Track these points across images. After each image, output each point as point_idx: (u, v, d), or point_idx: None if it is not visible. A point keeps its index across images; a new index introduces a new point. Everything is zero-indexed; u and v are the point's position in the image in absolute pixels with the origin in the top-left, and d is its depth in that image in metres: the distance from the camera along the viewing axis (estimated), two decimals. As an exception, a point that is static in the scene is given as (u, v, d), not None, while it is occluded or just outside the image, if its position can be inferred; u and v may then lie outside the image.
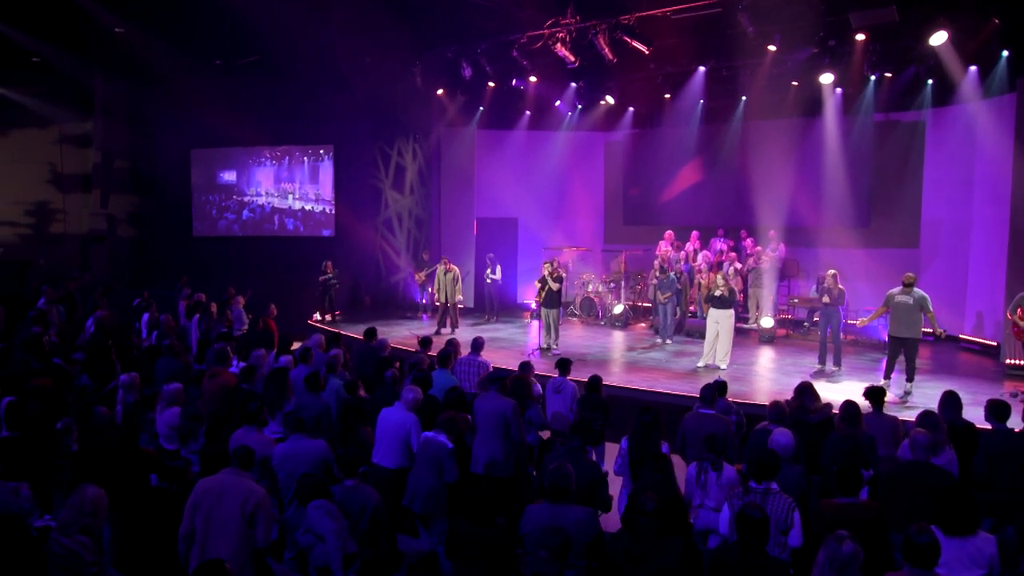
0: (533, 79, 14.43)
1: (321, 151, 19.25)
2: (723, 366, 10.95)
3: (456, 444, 6.04)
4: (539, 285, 12.63)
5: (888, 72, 12.81)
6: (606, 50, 11.87)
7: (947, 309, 13.24)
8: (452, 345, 8.87)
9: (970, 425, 6.10)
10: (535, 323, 12.67)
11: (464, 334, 14.28)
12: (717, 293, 10.97)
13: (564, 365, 7.83)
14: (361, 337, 13.80)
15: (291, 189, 19.64)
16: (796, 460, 5.35)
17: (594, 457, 7.64)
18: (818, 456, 5.89)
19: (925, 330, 9.89)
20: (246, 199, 19.90)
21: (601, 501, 4.98)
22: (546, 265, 12.69)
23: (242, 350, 10.48)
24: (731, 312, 11.02)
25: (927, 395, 9.54)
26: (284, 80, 17.90)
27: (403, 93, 16.25)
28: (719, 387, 6.78)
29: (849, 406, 5.83)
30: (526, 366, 7.92)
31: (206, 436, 5.95)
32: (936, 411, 6.06)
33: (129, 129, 19.54)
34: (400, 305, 17.96)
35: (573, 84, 14.66)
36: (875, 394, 6.36)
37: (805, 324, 13.92)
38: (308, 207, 19.49)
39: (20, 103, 18.31)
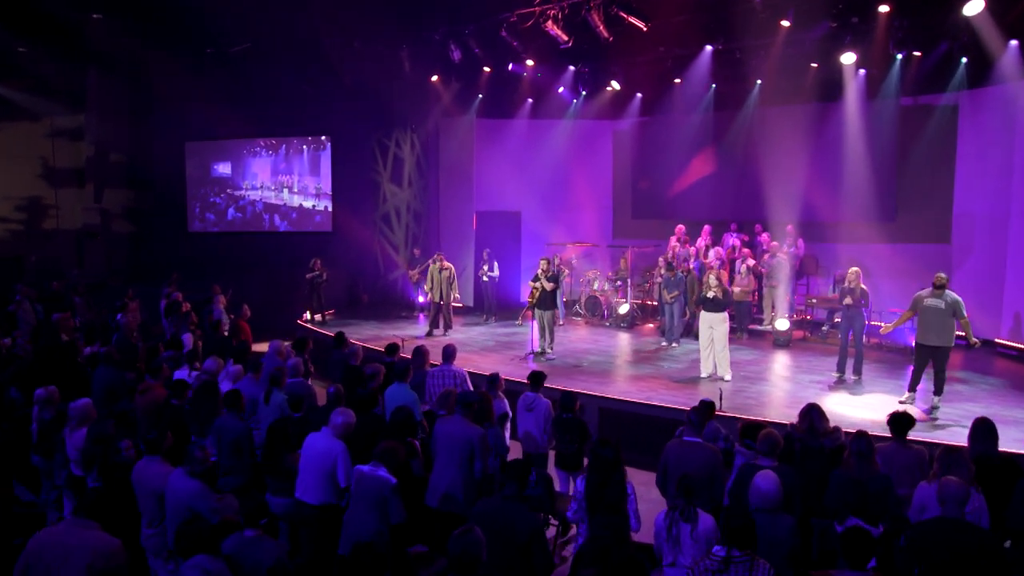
0: (530, 63, 13.46)
1: (322, 139, 18.52)
2: (727, 377, 9.93)
3: (398, 477, 5.16)
4: (533, 284, 11.69)
5: (916, 50, 11.61)
6: (600, 27, 10.88)
7: (981, 311, 12.09)
8: (418, 354, 8.02)
9: (1009, 461, 5.07)
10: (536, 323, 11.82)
11: (458, 335, 13.44)
12: (709, 295, 9.93)
13: (536, 379, 6.92)
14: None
15: (288, 182, 18.94)
16: (788, 507, 4.39)
17: (571, 488, 6.74)
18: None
19: (959, 334, 8.74)
20: (239, 193, 19.27)
21: (540, 562, 4.01)
22: (541, 262, 11.75)
23: (204, 357, 9.72)
24: (725, 316, 9.98)
25: (956, 411, 8.47)
26: (278, 69, 17.19)
27: (396, 80, 15.39)
28: (707, 408, 5.80)
29: (861, 441, 4.81)
30: (493, 380, 6.99)
31: (102, 464, 5.12)
32: (963, 445, 5.06)
33: (123, 122, 18.96)
34: (398, 304, 17.13)
35: (572, 67, 13.65)
36: (899, 423, 5.33)
37: (824, 327, 12.83)
38: (308, 204, 18.78)
39: (9, 97, 17.81)
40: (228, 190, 19.37)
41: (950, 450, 4.55)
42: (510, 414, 6.90)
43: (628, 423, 8.83)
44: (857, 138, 12.89)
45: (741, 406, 8.72)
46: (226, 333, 11.42)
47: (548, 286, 11.45)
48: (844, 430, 7.30)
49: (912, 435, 7.47)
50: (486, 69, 14.16)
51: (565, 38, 11.41)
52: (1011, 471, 4.99)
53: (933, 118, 12.74)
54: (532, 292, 11.66)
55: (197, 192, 19.59)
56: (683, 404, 8.71)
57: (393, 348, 8.57)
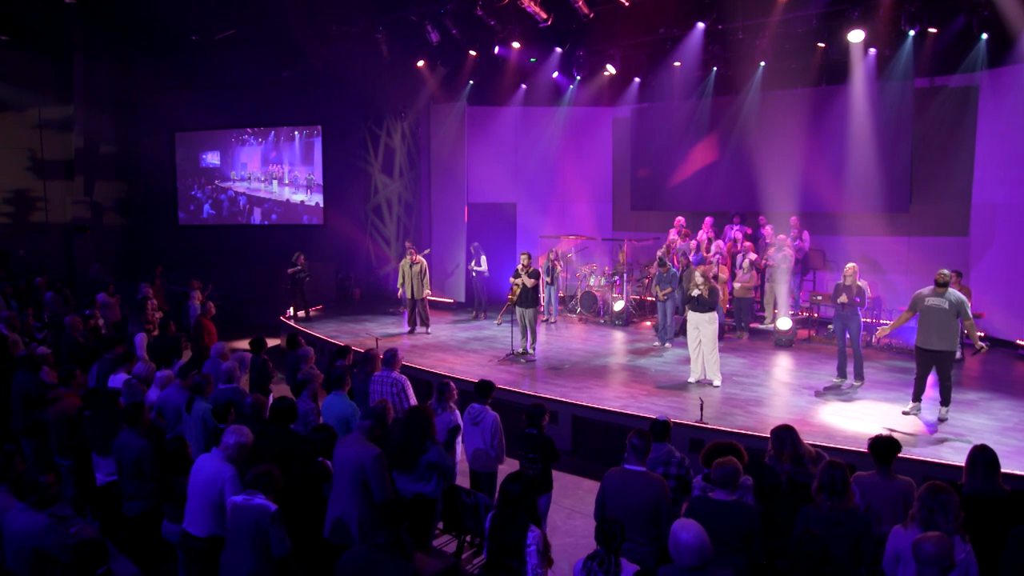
0: (516, 45, 12.67)
1: (313, 128, 17.92)
2: (716, 382, 9.12)
3: (298, 505, 4.51)
4: (514, 281, 10.97)
5: (931, 26, 10.67)
6: (580, 3, 10.09)
7: (1002, 309, 11.20)
8: (366, 360, 7.35)
9: (1015, 497, 4.24)
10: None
11: (441, 333, 12.78)
12: (695, 293, 9.10)
13: (484, 389, 6.19)
14: (323, 338, 12.51)
15: (279, 172, 18.39)
16: (744, 551, 3.62)
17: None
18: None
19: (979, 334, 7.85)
20: (228, 184, 18.78)
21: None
22: (522, 257, 11.02)
23: (158, 359, 9.15)
24: (713, 315, 9.14)
25: (968, 424, 7.62)
26: (264, 57, 16.65)
27: (383, 67, 14.70)
28: (659, 429, 5.03)
29: (834, 474, 3.98)
30: (442, 391, 6.29)
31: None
32: (955, 478, 4.25)
33: (112, 112, 18.52)
34: (390, 299, 16.50)
35: (559, 49, 12.84)
36: (882, 448, 4.52)
37: (830, 326, 11.91)
38: (297, 198, 18.21)
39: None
40: (217, 181, 18.89)
41: (935, 489, 3.74)
42: (461, 427, 6.19)
43: (601, 433, 8.09)
44: (868, 123, 11.99)
45: (726, 416, 7.93)
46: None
47: (529, 282, 10.72)
48: (832, 445, 6.59)
49: (915, 453, 6.75)
50: (472, 53, 13.44)
51: (544, 16, 10.66)
52: (1016, 510, 4.18)
53: (950, 100, 11.79)
54: (512, 289, 10.94)
55: (187, 184, 19.14)
56: (661, 413, 7.94)
57: (343, 351, 7.88)
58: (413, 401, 6.94)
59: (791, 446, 4.79)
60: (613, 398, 8.66)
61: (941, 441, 7.15)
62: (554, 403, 8.56)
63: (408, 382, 6.91)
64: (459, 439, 6.25)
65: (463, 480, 6.26)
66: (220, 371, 7.11)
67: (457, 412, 6.30)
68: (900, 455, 6.53)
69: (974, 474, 4.31)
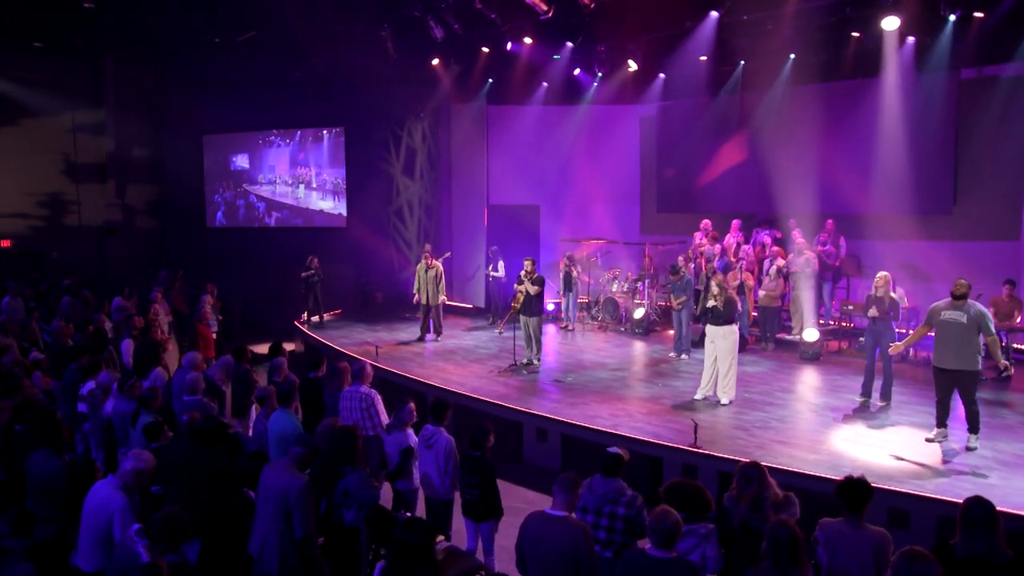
0: (528, 40, 12.12)
1: (337, 130, 17.75)
2: (725, 400, 8.39)
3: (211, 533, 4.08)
4: (518, 288, 10.43)
5: (976, 10, 9.70)
6: (579, -6, 9.52)
7: (1057, 322, 10.09)
8: (335, 374, 6.93)
9: (1017, 560, 3.52)
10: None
11: (449, 340, 12.35)
12: (710, 304, 8.40)
13: (439, 411, 5.68)
14: (328, 343, 12.22)
15: (306, 176, 18.26)
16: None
17: (479, 543, 5.49)
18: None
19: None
20: (255, 188, 18.76)
21: None
22: (526, 263, 10.47)
23: (138, 367, 8.94)
24: (731, 329, 8.41)
25: (1001, 455, 6.74)
26: (286, 58, 16.50)
27: (397, 66, 14.34)
28: (609, 464, 4.41)
29: (779, 538, 3.31)
30: (399, 408, 5.81)
31: None
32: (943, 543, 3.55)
33: (143, 116, 18.73)
34: (410, 303, 16.10)
35: (569, 44, 12.24)
36: (851, 493, 3.84)
37: (862, 338, 11.02)
38: (321, 205, 18.05)
39: (30, 92, 17.74)
40: (244, 184, 18.90)
41: (912, 558, 3.07)
42: (412, 449, 5.70)
43: (592, 454, 7.47)
44: (906, 118, 11.07)
45: (727, 440, 7.23)
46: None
47: (532, 290, 10.18)
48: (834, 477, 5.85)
49: (930, 489, 5.95)
50: (484, 49, 12.95)
51: (544, 7, 10.11)
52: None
53: (1000, 92, 10.73)
54: (516, 296, 10.41)
55: (215, 187, 19.24)
56: (653, 435, 7.34)
57: (316, 363, 7.49)
58: (383, 418, 6.50)
59: (757, 487, 4.15)
60: (607, 415, 8.04)
61: (966, 475, 6.32)
62: (543, 420, 8.03)
63: (378, 397, 6.47)
64: (417, 462, 5.78)
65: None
66: (184, 382, 6.81)
67: (411, 432, 5.82)
68: (912, 492, 5.90)
69: (971, 534, 3.58)
